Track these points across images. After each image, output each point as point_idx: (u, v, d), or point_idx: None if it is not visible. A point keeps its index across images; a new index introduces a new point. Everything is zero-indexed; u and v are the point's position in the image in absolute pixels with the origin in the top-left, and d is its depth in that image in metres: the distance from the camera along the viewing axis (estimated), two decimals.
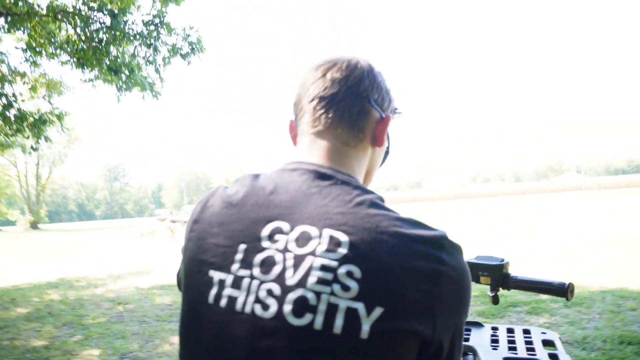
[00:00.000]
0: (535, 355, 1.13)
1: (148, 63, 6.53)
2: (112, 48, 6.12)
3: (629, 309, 4.33)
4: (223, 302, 0.61)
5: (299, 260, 0.59)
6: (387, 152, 0.86)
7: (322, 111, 0.73)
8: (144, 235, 21.30)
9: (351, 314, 0.55)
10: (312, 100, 0.74)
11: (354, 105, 0.73)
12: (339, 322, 0.55)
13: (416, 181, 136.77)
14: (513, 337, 1.25)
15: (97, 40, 6.07)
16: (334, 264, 0.57)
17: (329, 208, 0.62)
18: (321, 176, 0.68)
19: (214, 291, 0.62)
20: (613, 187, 54.29)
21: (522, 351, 1.15)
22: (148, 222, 34.52)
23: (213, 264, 0.63)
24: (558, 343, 1.19)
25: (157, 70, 6.61)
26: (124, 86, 6.33)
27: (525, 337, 1.24)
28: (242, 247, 0.62)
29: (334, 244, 0.58)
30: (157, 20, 6.26)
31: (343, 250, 0.58)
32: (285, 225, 0.62)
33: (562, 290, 1.02)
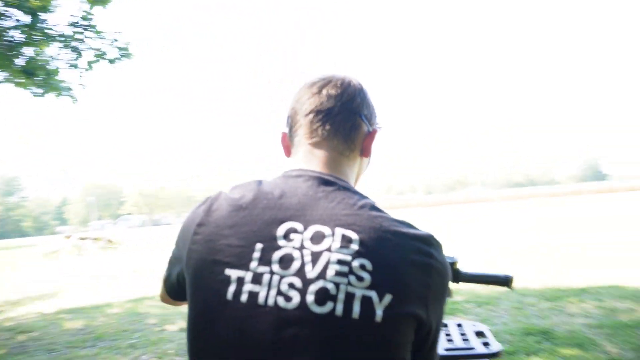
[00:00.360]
0: (470, 344, 1.26)
1: (71, 67, 6.08)
2: (28, 49, 5.62)
3: (529, 305, 4.83)
4: (244, 297, 0.65)
5: (316, 256, 0.66)
6: (368, 162, 0.96)
7: (319, 124, 0.82)
8: (47, 255, 19.43)
9: (366, 301, 0.63)
10: (309, 114, 0.83)
11: (348, 119, 0.83)
12: (356, 309, 0.63)
13: None
14: (448, 330, 1.39)
15: (8, 39, 5.53)
16: (349, 258, 0.65)
17: (337, 210, 0.71)
18: (325, 182, 0.76)
19: (232, 288, 0.66)
20: (514, 199, 59.90)
21: (458, 342, 1.28)
22: (52, 240, 31.57)
23: (228, 263, 0.67)
24: (488, 334, 1.34)
25: (79, 74, 6.19)
26: (40, 90, 5.82)
27: (459, 330, 1.38)
28: (259, 246, 0.68)
29: (346, 241, 0.67)
30: (83, 22, 5.87)
31: (355, 247, 0.66)
32: (298, 226, 0.69)
33: (507, 281, 1.15)
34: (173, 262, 0.82)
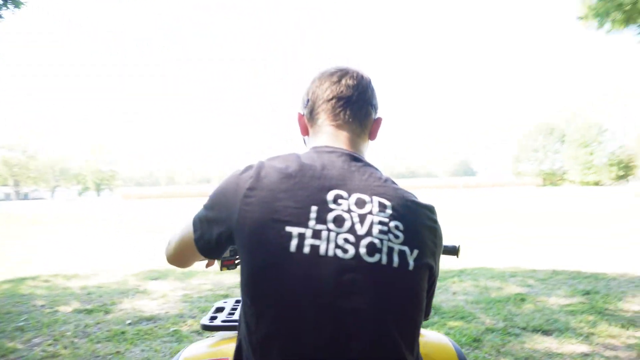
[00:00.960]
0: None
1: None
2: None
3: None
4: (306, 249, 0.78)
5: (362, 217, 0.82)
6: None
7: (341, 109, 0.98)
8: None
9: (402, 253, 0.82)
10: (332, 99, 0.98)
11: (363, 107, 0.99)
12: (396, 260, 0.81)
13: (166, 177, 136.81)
14: None
15: None
16: (386, 220, 0.83)
17: (370, 182, 0.88)
18: (354, 159, 0.92)
19: (294, 242, 0.78)
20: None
21: None
22: None
23: (288, 221, 0.79)
24: None
25: None
26: None
27: None
28: (314, 208, 0.81)
29: (383, 207, 0.84)
30: None
31: (389, 211, 0.84)
32: (343, 193, 0.84)
33: (456, 251, 1.28)
34: (211, 222, 0.89)
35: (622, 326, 3.67)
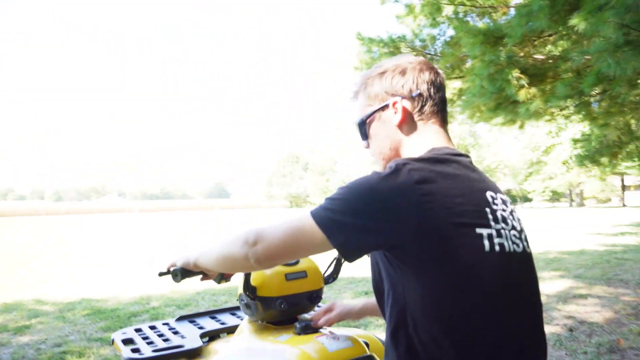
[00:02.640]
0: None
1: None
2: None
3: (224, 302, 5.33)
4: (497, 248, 0.82)
5: (510, 215, 0.90)
6: None
7: (443, 112, 0.98)
8: None
9: (527, 241, 0.93)
10: (440, 102, 0.97)
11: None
12: (529, 248, 0.92)
13: None
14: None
15: None
16: (516, 215, 0.93)
17: (489, 182, 0.93)
18: (470, 162, 0.93)
19: (487, 242, 0.80)
20: (151, 210, 60.95)
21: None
22: None
23: (475, 224, 0.80)
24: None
25: None
26: None
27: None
28: (487, 210, 0.84)
29: (508, 203, 0.93)
30: None
31: (511, 207, 0.93)
32: (492, 194, 0.89)
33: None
34: (362, 231, 0.79)
35: None
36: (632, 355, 3.25)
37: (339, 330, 1.27)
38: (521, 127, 7.17)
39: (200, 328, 1.59)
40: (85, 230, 20.80)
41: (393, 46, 6.74)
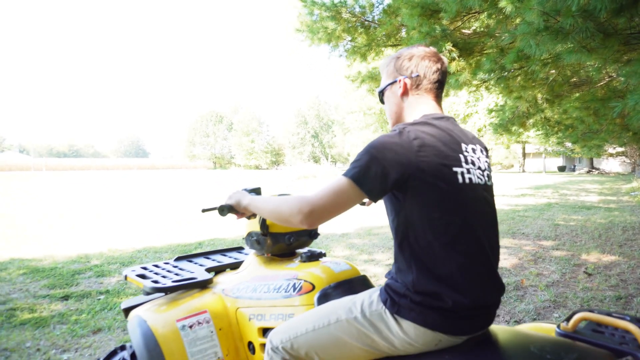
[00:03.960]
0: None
1: None
2: None
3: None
4: (467, 181, 1.17)
5: (478, 159, 1.25)
6: None
7: (439, 89, 1.33)
8: None
9: (490, 178, 1.29)
10: (436, 82, 1.31)
11: (444, 87, 1.37)
12: (490, 182, 1.28)
13: None
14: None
15: None
16: (484, 158, 1.30)
17: (468, 136, 1.30)
18: (455, 123, 1.30)
19: (460, 177, 1.16)
20: (61, 169, 56.44)
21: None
22: None
23: (452, 165, 1.16)
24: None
25: None
26: None
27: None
28: (460, 155, 1.20)
29: (480, 150, 1.29)
30: None
31: (483, 152, 1.31)
32: (465, 145, 1.24)
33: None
34: (381, 175, 1.11)
35: None
36: (531, 291, 3.94)
37: (334, 260, 1.59)
38: (446, 95, 7.78)
39: (201, 265, 1.84)
40: None
41: (334, 10, 6.89)
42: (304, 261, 1.54)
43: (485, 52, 5.61)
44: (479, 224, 1.17)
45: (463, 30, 6.09)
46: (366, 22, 7.13)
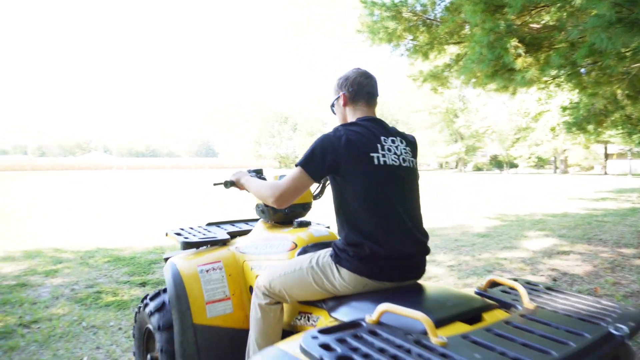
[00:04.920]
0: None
1: None
2: None
3: None
4: (382, 162, 1.53)
5: (395, 148, 1.59)
6: None
7: (371, 99, 1.73)
8: None
9: (413, 162, 1.65)
10: (368, 94, 1.72)
11: (376, 96, 1.75)
12: (405, 164, 1.60)
13: None
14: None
15: None
16: (404, 146, 1.63)
17: (391, 131, 1.65)
18: (382, 122, 1.68)
19: (376, 160, 1.53)
20: (139, 168, 60.69)
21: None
22: None
23: (370, 151, 1.53)
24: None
25: None
26: None
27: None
28: (378, 144, 1.56)
29: (400, 141, 1.64)
30: None
31: (404, 142, 1.65)
32: (384, 137, 1.60)
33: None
34: (325, 160, 1.52)
35: None
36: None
37: (319, 227, 2.02)
38: (513, 93, 7.48)
39: (225, 230, 2.38)
40: (77, 186, 20.88)
41: (395, 10, 6.88)
42: (295, 227, 1.99)
43: (554, 47, 5.35)
44: (393, 194, 1.52)
45: (531, 25, 5.85)
46: (428, 21, 7.05)
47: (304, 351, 0.93)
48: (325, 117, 66.10)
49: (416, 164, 1.67)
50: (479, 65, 5.67)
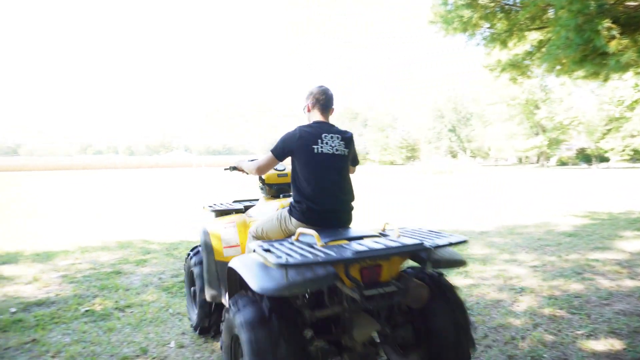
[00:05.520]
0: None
1: None
2: None
3: None
4: (320, 151, 2.25)
5: (332, 141, 2.30)
6: None
7: (325, 110, 2.42)
8: None
9: (344, 151, 2.33)
10: (323, 104, 2.40)
11: (330, 106, 2.45)
12: (338, 152, 2.30)
13: (11, 147, 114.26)
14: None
15: None
16: (340, 140, 2.33)
17: (333, 129, 2.37)
18: (329, 124, 2.40)
19: (316, 150, 2.24)
20: (214, 166, 63.88)
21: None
22: None
23: (312, 144, 2.25)
24: None
25: None
26: None
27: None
28: (319, 140, 2.27)
29: (337, 138, 2.33)
30: None
31: (340, 138, 2.34)
32: (326, 134, 2.30)
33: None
34: (284, 148, 2.29)
35: (483, 264, 4.75)
36: None
37: None
38: (605, 80, 6.85)
39: (242, 204, 3.38)
40: (160, 183, 22.40)
41: None
42: (281, 198, 2.80)
43: None
44: (325, 171, 2.23)
45: (627, 4, 5.31)
46: (506, 7, 6.66)
47: (255, 252, 1.75)
48: (396, 112, 65.08)
49: (350, 152, 2.37)
50: (565, 51, 5.27)
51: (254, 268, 1.72)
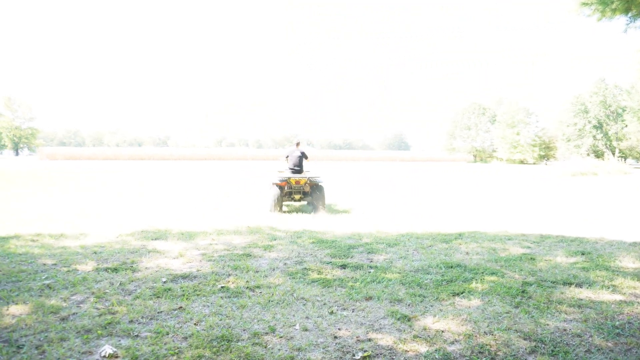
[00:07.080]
0: None
1: None
2: None
3: (429, 246, 5.65)
4: (294, 156, 9.55)
5: (296, 152, 9.63)
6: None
7: (297, 143, 9.88)
8: None
9: (301, 159, 9.72)
10: (294, 160, 9.52)
11: (302, 158, 9.72)
12: (303, 158, 9.75)
13: (162, 139, 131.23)
14: None
15: None
16: (300, 155, 9.67)
17: (299, 150, 9.70)
18: (299, 148, 9.80)
19: (293, 156, 9.58)
20: (337, 159, 65.55)
21: None
22: None
23: (292, 154, 9.61)
24: None
25: None
26: None
27: None
28: (294, 153, 9.62)
29: (300, 152, 9.69)
30: None
31: (300, 153, 9.68)
32: (298, 154, 9.61)
33: None
34: (285, 156, 9.76)
35: (636, 279, 4.13)
36: None
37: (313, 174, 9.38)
38: None
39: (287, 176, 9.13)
40: None
41: None
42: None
43: None
44: (296, 164, 9.39)
45: None
46: None
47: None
48: (532, 107, 59.67)
49: (303, 158, 9.46)
50: None
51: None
